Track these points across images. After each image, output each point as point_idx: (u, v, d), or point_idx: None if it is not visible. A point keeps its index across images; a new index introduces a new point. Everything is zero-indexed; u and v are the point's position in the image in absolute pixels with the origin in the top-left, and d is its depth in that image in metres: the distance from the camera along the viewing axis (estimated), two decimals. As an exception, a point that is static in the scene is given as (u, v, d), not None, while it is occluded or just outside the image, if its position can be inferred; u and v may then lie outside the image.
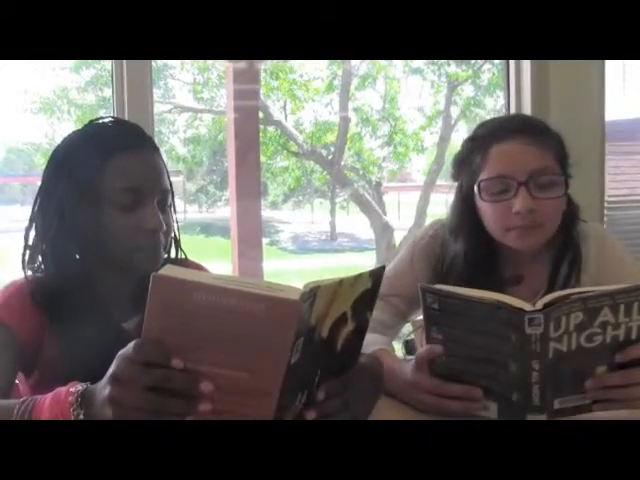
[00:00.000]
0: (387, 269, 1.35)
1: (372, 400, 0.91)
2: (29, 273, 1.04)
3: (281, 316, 0.66)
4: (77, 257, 1.04)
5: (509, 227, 1.17)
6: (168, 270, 0.69)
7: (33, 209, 1.05)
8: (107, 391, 0.71)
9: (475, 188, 1.20)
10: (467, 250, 1.22)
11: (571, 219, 1.25)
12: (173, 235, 1.10)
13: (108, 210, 1.00)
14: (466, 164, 1.23)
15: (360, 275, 0.78)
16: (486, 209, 1.19)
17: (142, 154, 1.03)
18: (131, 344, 0.71)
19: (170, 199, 1.07)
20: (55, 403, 0.75)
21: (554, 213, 1.18)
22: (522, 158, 1.15)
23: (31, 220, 1.04)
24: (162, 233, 1.03)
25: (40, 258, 1.03)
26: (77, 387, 0.75)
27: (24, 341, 0.99)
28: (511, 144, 1.16)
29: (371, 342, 1.16)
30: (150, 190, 1.02)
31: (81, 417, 0.73)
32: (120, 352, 0.72)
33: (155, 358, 0.69)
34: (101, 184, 0.99)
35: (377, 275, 0.81)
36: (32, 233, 1.04)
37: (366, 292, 0.81)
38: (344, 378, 0.82)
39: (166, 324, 0.69)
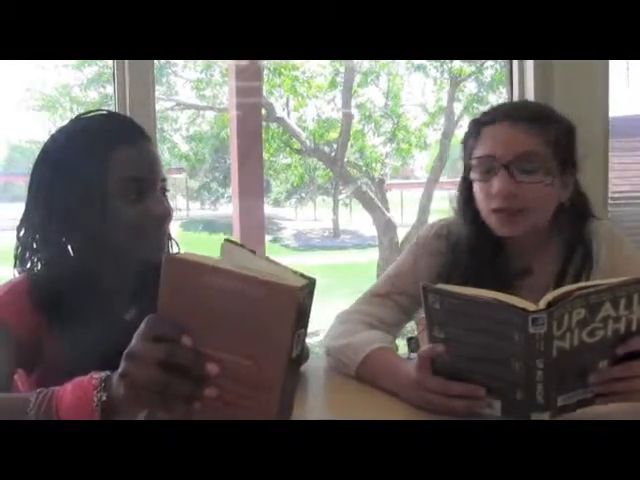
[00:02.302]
0: (390, 268, 1.35)
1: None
2: (22, 272, 1.04)
3: (280, 302, 0.68)
4: (78, 254, 1.04)
5: (492, 209, 1.17)
6: (182, 254, 0.72)
7: (27, 208, 1.04)
8: (121, 368, 0.72)
9: (466, 169, 1.23)
10: (469, 230, 1.23)
11: (581, 214, 1.24)
12: None
13: (115, 203, 1.00)
14: (466, 145, 1.25)
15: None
16: (476, 189, 1.21)
17: (141, 145, 1.04)
18: (144, 320, 0.72)
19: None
20: (78, 387, 0.76)
21: (537, 199, 1.16)
22: (508, 140, 1.15)
23: (25, 219, 1.04)
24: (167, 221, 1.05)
25: (36, 257, 1.03)
26: (100, 374, 0.76)
27: (23, 339, 0.98)
28: (500, 126, 1.17)
29: (373, 339, 1.16)
30: (153, 179, 1.03)
31: (103, 399, 0.74)
32: (137, 331, 0.73)
33: (164, 332, 0.71)
34: (106, 178, 1.00)
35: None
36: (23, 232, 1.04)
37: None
38: None
39: (177, 304, 0.71)
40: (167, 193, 1.07)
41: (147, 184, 1.02)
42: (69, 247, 1.03)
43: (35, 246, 1.03)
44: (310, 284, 0.70)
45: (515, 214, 1.15)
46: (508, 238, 1.21)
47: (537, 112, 1.21)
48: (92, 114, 1.07)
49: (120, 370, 0.72)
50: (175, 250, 1.13)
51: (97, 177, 0.99)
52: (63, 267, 1.01)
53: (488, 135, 1.18)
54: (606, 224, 1.29)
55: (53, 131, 1.07)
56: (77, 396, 0.75)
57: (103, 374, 0.75)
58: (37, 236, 1.03)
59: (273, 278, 0.68)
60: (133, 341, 0.72)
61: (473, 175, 1.20)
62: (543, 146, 1.15)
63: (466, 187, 1.24)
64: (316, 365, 1.24)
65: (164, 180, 1.06)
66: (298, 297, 0.68)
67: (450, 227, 1.28)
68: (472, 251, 1.22)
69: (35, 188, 1.03)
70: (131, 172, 1.01)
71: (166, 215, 1.04)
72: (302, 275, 0.72)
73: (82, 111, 1.12)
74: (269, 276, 0.69)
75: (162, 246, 1.05)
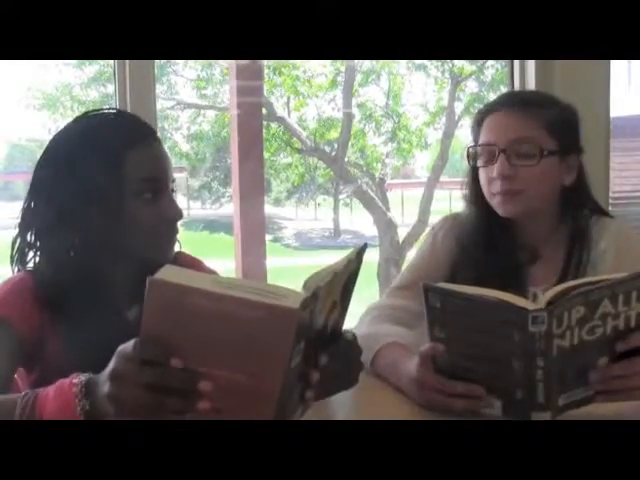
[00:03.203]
0: (410, 261, 1.39)
1: (358, 370, 0.94)
2: (22, 270, 1.03)
3: (280, 324, 0.66)
4: (84, 253, 1.03)
5: (493, 192, 1.24)
6: (166, 272, 0.68)
7: (28, 206, 1.04)
8: (106, 387, 0.71)
9: (469, 157, 1.29)
10: (477, 215, 1.28)
11: (579, 194, 1.27)
12: None
13: (129, 203, 1.00)
14: (472, 135, 1.32)
15: (348, 262, 0.78)
16: (480, 175, 1.27)
17: (154, 145, 1.04)
18: (131, 342, 0.71)
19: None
20: (59, 394, 0.75)
21: (533, 181, 1.21)
22: (504, 127, 1.23)
23: (26, 217, 1.03)
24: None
25: (37, 255, 1.03)
26: (80, 378, 0.75)
27: (25, 336, 0.98)
28: (499, 114, 1.25)
29: (387, 334, 1.17)
30: (165, 179, 1.04)
31: (87, 408, 0.73)
32: (119, 349, 0.72)
33: (153, 357, 0.69)
34: (121, 178, 1.00)
35: (360, 254, 0.82)
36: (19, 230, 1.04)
37: (352, 274, 0.82)
38: (334, 350, 0.82)
39: (163, 326, 0.69)
40: (174, 193, 1.07)
41: (160, 184, 1.02)
42: (75, 246, 1.03)
43: (38, 244, 1.03)
44: (312, 299, 0.68)
45: (514, 195, 1.22)
46: (516, 223, 1.26)
47: (531, 98, 1.30)
48: (99, 113, 1.07)
49: (107, 391, 0.71)
50: (177, 249, 1.14)
51: (111, 177, 0.99)
52: (68, 266, 1.01)
53: (488, 124, 1.26)
54: (617, 222, 1.31)
55: (54, 130, 1.07)
56: (60, 405, 0.74)
57: (83, 378, 0.75)
58: (40, 235, 1.02)
59: (270, 298, 0.66)
60: (117, 361, 0.71)
61: (479, 162, 1.26)
62: (537, 129, 1.22)
63: (472, 173, 1.30)
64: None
65: (173, 180, 1.06)
66: (299, 317, 0.66)
67: (463, 216, 1.34)
68: (481, 231, 1.27)
69: (40, 187, 1.03)
70: (146, 173, 1.01)
71: (179, 215, 1.04)
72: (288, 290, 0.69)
73: (83, 110, 1.12)
74: (265, 296, 0.66)
75: (172, 246, 1.05)
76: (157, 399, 0.69)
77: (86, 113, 1.07)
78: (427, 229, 1.44)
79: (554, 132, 1.22)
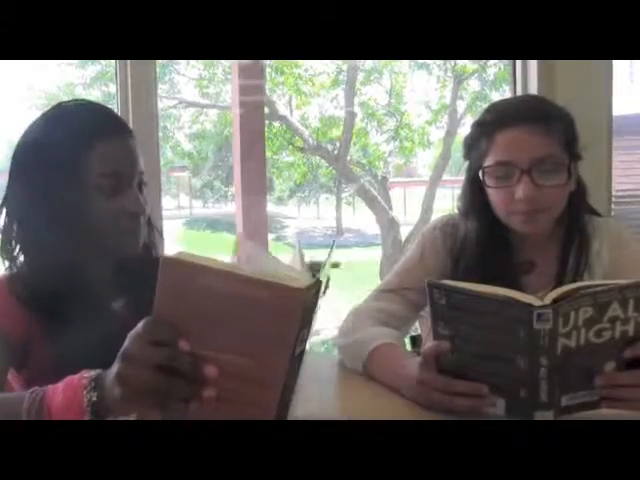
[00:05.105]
0: (398, 264, 1.36)
1: None
2: (8, 267, 1.03)
3: (285, 304, 0.67)
4: (60, 245, 1.02)
5: (513, 212, 1.19)
6: (179, 254, 0.69)
7: (8, 194, 1.03)
8: (116, 368, 0.71)
9: (480, 174, 1.21)
10: (477, 229, 1.24)
11: (578, 200, 1.25)
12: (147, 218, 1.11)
13: (91, 195, 1.00)
14: (474, 148, 1.24)
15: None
16: (492, 193, 1.21)
17: (122, 138, 1.03)
18: (141, 323, 0.71)
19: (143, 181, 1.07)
20: (68, 386, 0.75)
21: (558, 198, 1.19)
22: (525, 145, 1.16)
23: (5, 205, 1.03)
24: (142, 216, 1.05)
25: (18, 248, 1.03)
26: (90, 372, 0.76)
27: (12, 338, 0.99)
28: (515, 131, 1.17)
29: (377, 336, 1.16)
30: (130, 174, 1.03)
31: (94, 399, 0.73)
32: (132, 331, 0.72)
33: (163, 337, 0.70)
34: (84, 169, 0.99)
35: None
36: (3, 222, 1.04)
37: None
38: None
39: (174, 306, 0.70)
40: (144, 186, 1.06)
41: (124, 179, 1.02)
42: (49, 234, 1.01)
43: (16, 233, 1.02)
44: (316, 283, 0.69)
45: (538, 214, 1.18)
46: (519, 236, 1.23)
47: (547, 111, 1.21)
48: (73, 103, 1.06)
49: (116, 370, 0.71)
50: (161, 242, 1.14)
51: (74, 168, 0.99)
52: (48, 259, 1.01)
53: (503, 141, 1.18)
54: (609, 221, 1.30)
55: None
56: (67, 396, 0.74)
57: (94, 373, 0.75)
58: (22, 227, 1.02)
59: (277, 279, 0.67)
60: (128, 342, 0.71)
61: (488, 180, 1.20)
62: (557, 145, 1.17)
63: (472, 186, 1.25)
64: (319, 362, 1.24)
65: (142, 173, 1.05)
66: (304, 297, 0.67)
67: (456, 222, 1.30)
68: (479, 246, 1.23)
69: (15, 174, 1.03)
70: (108, 167, 1.00)
71: (139, 212, 1.03)
72: (312, 266, 0.71)
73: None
74: (272, 277, 0.67)
75: (138, 240, 1.04)
76: (165, 381, 0.69)
77: (60, 103, 1.07)
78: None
79: (567, 144, 1.19)
